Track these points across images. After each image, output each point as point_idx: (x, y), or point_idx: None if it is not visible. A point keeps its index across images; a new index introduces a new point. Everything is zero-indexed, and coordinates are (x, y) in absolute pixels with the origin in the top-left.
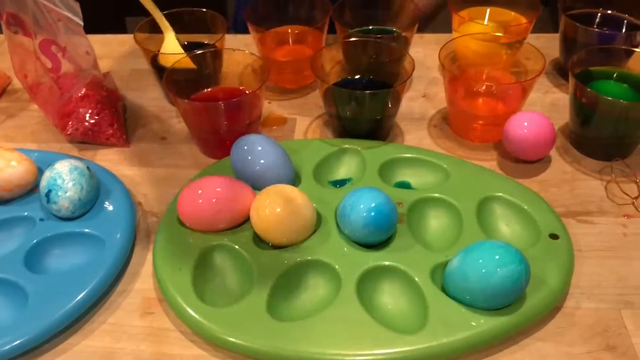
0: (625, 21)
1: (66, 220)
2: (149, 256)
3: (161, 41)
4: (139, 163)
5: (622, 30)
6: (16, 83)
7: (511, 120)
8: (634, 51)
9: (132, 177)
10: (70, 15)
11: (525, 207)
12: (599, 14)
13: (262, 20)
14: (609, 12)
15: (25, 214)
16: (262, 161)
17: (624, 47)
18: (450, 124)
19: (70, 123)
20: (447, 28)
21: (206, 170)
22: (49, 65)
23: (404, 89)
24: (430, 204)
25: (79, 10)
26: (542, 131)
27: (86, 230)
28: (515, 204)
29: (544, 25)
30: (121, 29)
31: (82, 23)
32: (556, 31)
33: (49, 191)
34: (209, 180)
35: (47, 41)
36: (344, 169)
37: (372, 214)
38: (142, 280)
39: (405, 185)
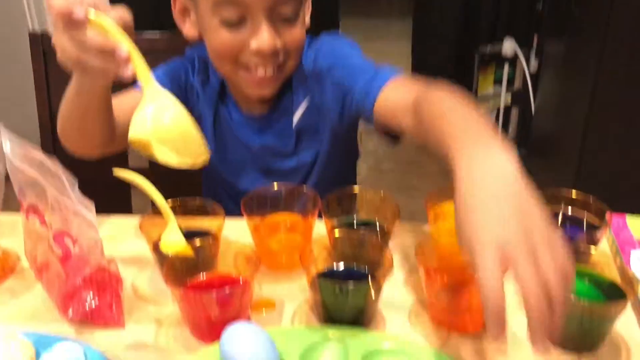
0: (585, 220)
1: None
2: None
3: (164, 225)
4: (133, 346)
5: (583, 229)
6: (24, 263)
7: None
8: (592, 253)
9: None
10: (85, 212)
11: None
12: (561, 213)
13: (256, 209)
14: (570, 212)
15: None
16: (249, 352)
17: (583, 244)
18: (429, 312)
19: (71, 306)
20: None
21: (196, 357)
22: (60, 253)
23: (384, 279)
24: None
25: (93, 208)
26: None
27: None
28: None
29: None
30: (125, 202)
31: (95, 221)
32: None
33: None
34: None
35: (61, 232)
36: (328, 358)
37: None
38: None
39: None
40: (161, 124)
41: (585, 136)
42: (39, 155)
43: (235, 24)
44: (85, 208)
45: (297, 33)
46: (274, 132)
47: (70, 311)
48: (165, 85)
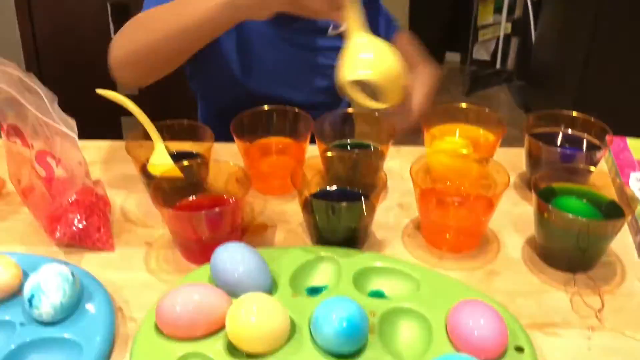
0: (585, 140)
1: (46, 325)
2: None
3: (152, 148)
4: (122, 267)
5: (582, 149)
6: (9, 187)
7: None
8: (592, 171)
9: (115, 282)
10: (66, 130)
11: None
12: (561, 133)
13: (247, 132)
14: (570, 131)
15: (7, 318)
16: (240, 269)
17: (582, 165)
18: (422, 233)
19: (58, 228)
20: (421, 140)
21: (187, 277)
22: (43, 173)
23: (378, 200)
24: (401, 314)
25: (74, 126)
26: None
27: (65, 335)
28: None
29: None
30: (116, 128)
31: (77, 138)
32: None
33: (32, 296)
34: (187, 288)
35: (44, 152)
36: (320, 277)
37: (344, 324)
38: None
39: (379, 294)
40: (386, 68)
41: (587, 65)
42: (16, 72)
43: None
44: (67, 126)
45: None
46: None
47: (57, 233)
48: None
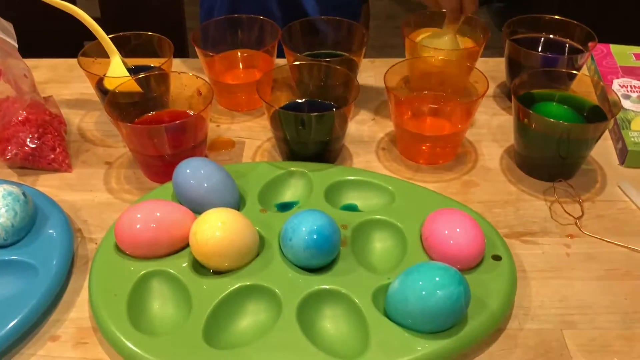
0: (567, 45)
1: None
2: (86, 284)
3: (108, 65)
4: (81, 188)
5: (564, 54)
6: None
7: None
8: (575, 74)
9: (74, 203)
10: (3, 36)
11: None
12: (542, 39)
13: (211, 44)
14: (552, 36)
15: None
16: (204, 185)
17: (564, 70)
18: (398, 146)
19: (9, 148)
20: (400, 54)
21: (148, 195)
22: None
23: (349, 111)
24: (375, 226)
25: (12, 31)
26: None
27: (18, 257)
28: None
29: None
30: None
31: (16, 45)
32: None
33: None
34: (148, 204)
35: None
36: (290, 192)
37: (314, 236)
38: (77, 309)
39: (352, 208)
40: None
41: None
42: None
43: None
44: (4, 33)
45: None
46: None
47: (8, 153)
48: None
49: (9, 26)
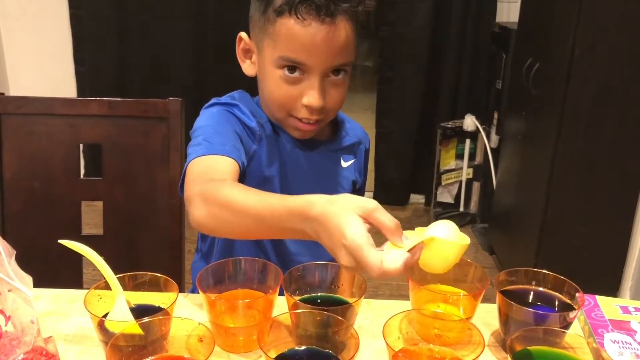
0: (557, 300)
1: None
2: None
3: (112, 299)
4: None
5: (555, 308)
6: None
7: None
8: (566, 333)
9: None
10: (21, 287)
11: None
12: (532, 291)
13: (213, 285)
14: (541, 289)
15: None
16: None
17: (558, 327)
18: None
19: None
20: (396, 293)
21: None
22: None
23: None
24: None
25: (31, 283)
26: None
27: None
28: None
29: None
30: (78, 266)
31: (32, 296)
32: None
33: None
34: None
35: None
36: None
37: None
38: None
39: None
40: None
41: (546, 211)
42: None
43: (294, 82)
44: (22, 283)
45: (341, 94)
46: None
47: None
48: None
49: (28, 279)
